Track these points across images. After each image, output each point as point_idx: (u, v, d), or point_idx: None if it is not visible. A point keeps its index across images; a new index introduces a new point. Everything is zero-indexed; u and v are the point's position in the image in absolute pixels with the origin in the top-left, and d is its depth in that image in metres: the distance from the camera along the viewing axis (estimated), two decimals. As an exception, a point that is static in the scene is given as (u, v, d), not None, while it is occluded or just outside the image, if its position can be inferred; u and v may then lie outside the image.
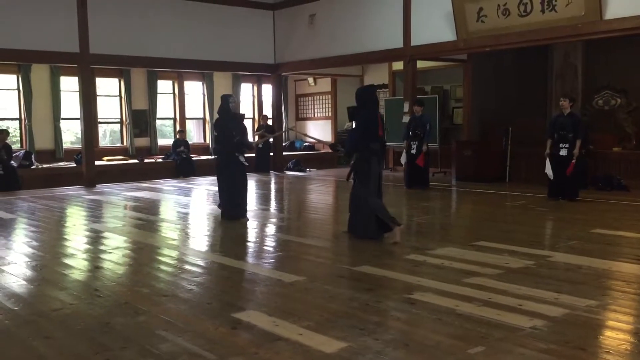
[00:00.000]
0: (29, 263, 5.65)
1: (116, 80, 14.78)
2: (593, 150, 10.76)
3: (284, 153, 15.82)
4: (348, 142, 6.60)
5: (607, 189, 10.12)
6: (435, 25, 11.26)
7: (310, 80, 17.29)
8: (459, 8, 10.66)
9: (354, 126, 6.62)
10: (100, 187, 12.17)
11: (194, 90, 16.17)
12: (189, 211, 9.31)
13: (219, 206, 8.05)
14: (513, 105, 12.94)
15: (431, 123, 11.30)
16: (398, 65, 13.97)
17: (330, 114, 17.08)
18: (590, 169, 10.59)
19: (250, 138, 16.52)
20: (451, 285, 4.57)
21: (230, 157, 7.77)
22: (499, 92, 13.13)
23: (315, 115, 17.53)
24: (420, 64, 12.70)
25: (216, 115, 8.18)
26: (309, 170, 15.24)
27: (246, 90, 17.05)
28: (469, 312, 3.95)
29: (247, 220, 7.78)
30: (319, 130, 17.07)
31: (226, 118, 7.83)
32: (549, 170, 9.14)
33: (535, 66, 13.02)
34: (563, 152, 8.98)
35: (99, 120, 14.52)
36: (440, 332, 3.66)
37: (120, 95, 14.87)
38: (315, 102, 17.58)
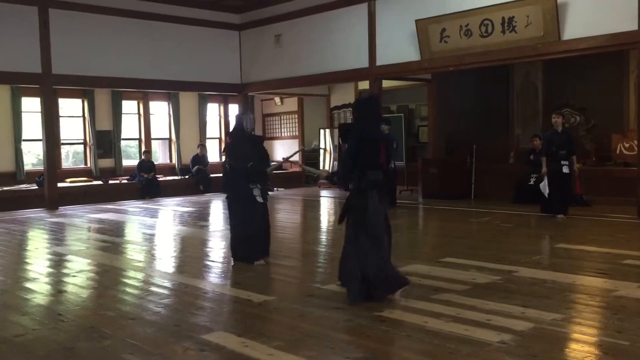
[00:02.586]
0: (-12, 288, 5.49)
1: (79, 100, 14.56)
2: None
3: (251, 173, 15.75)
4: (339, 168, 5.07)
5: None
6: (399, 45, 11.45)
7: (277, 99, 17.34)
8: (423, 29, 10.87)
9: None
10: (63, 209, 11.93)
11: (160, 110, 16.04)
12: (154, 232, 9.19)
13: (231, 248, 6.58)
14: (476, 123, 13.20)
15: (397, 141, 11.42)
16: (364, 85, 14.12)
17: (297, 134, 17.12)
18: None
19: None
20: (420, 302, 4.60)
21: (241, 188, 6.35)
22: (463, 111, 13.38)
23: (282, 134, 17.55)
24: (386, 84, 12.86)
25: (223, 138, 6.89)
26: (277, 190, 15.21)
27: (212, 110, 16.99)
28: (438, 328, 3.98)
29: (262, 264, 6.26)
30: (286, 150, 17.09)
31: (240, 141, 6.49)
32: (545, 188, 9.10)
33: (497, 85, 13.34)
34: (565, 170, 8.94)
35: (61, 141, 14.26)
36: (410, 348, 3.67)
37: (83, 116, 14.65)
38: (282, 121, 17.61)
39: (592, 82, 11.81)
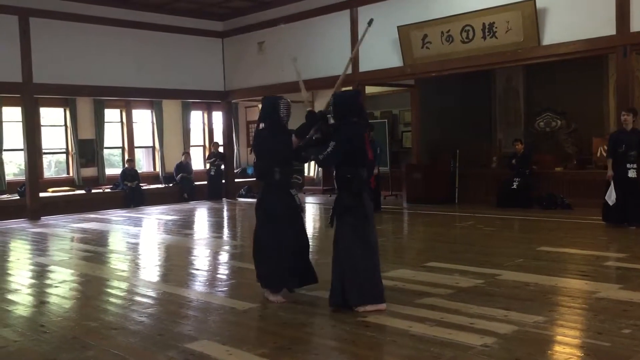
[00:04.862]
0: (-31, 300, 5.42)
1: (61, 109, 14.46)
2: (536, 170, 11.12)
3: (236, 180, 15.75)
4: (324, 155, 4.52)
5: (551, 208, 10.43)
6: (382, 51, 11.51)
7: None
8: (405, 35, 10.95)
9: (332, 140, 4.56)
10: (46, 219, 11.81)
11: (143, 118, 15.97)
12: (139, 241, 9.12)
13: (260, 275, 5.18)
14: (459, 128, 13.29)
15: (381, 147, 11.48)
16: (347, 91, 14.17)
17: (281, 140, 17.13)
18: (535, 188, 10.93)
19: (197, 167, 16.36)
20: (404, 307, 4.61)
21: (281, 195, 4.95)
22: (446, 116, 13.47)
23: (267, 141, 17.54)
24: (369, 89, 12.92)
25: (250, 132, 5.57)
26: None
27: (196, 118, 16.95)
28: (422, 332, 3.99)
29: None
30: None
31: (276, 132, 5.08)
32: (611, 195, 8.05)
33: (479, 90, 13.45)
34: (632, 174, 7.92)
35: (43, 150, 14.13)
36: (394, 353, 3.68)
37: (65, 125, 14.54)
38: (266, 128, 17.59)
39: (573, 87, 11.95)
